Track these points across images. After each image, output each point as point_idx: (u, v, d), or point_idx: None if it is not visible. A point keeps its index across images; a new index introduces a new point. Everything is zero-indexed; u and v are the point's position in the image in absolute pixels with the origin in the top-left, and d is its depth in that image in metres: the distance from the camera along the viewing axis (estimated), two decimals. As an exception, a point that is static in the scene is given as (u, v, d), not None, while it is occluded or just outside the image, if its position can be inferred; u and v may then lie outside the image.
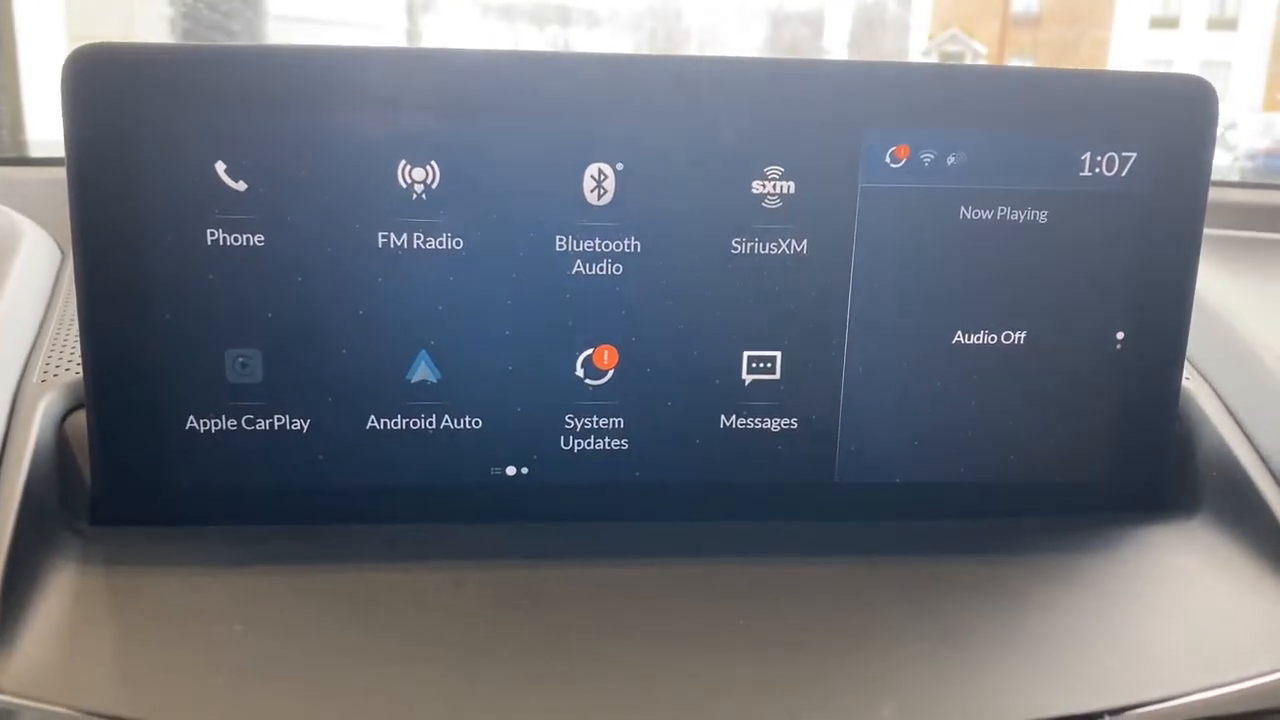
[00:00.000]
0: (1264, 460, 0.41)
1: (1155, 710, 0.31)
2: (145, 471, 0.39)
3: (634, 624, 0.35)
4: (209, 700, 0.30)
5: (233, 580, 0.36)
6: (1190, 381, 0.45)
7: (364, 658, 0.32)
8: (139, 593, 0.35)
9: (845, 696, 0.31)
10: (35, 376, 0.41)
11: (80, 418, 0.40)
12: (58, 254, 0.54)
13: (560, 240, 0.39)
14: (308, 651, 0.32)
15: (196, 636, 0.33)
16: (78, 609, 0.33)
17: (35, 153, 1.18)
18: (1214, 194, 0.61)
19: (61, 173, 0.64)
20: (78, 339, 0.44)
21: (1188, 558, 0.39)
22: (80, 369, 0.41)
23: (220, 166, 0.37)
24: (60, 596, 0.34)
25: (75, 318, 0.46)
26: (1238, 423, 0.43)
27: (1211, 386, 0.45)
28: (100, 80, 0.36)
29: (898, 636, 0.34)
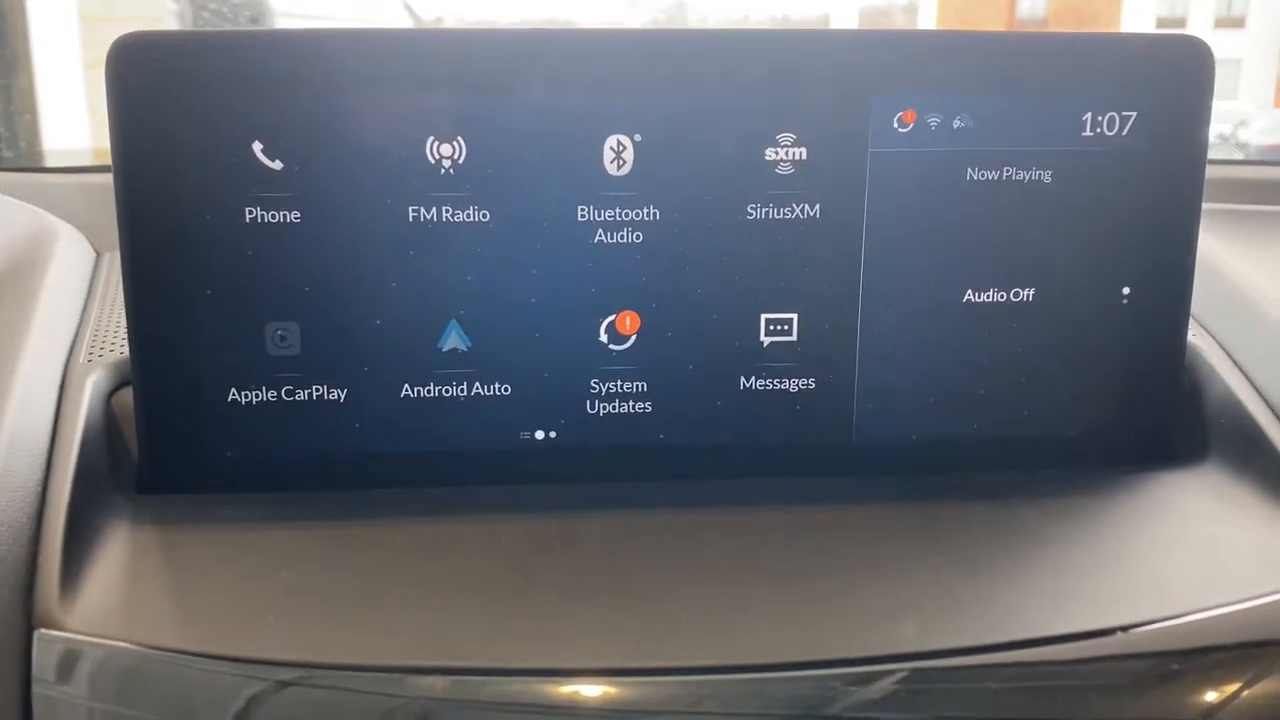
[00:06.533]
0: (1271, 407, 0.42)
1: (1168, 627, 0.32)
2: (190, 442, 0.40)
3: (660, 562, 0.36)
4: (262, 635, 0.31)
5: (278, 535, 0.37)
6: (1197, 337, 0.46)
7: (406, 597, 0.34)
8: (189, 547, 0.36)
9: (867, 620, 0.33)
10: (81, 357, 0.43)
11: (126, 395, 0.42)
12: (92, 253, 0.56)
13: (582, 210, 0.40)
14: (352, 593, 0.34)
15: (246, 582, 0.34)
16: (133, 562, 0.35)
17: (51, 161, 1.23)
18: (1221, 171, 0.63)
19: (93, 179, 0.67)
20: (118, 328, 0.46)
21: (1197, 498, 0.40)
22: (123, 351, 0.43)
23: (258, 146, 0.39)
24: (115, 551, 0.35)
25: (113, 312, 0.48)
26: (1244, 374, 0.44)
27: (1218, 341, 0.46)
28: (142, 67, 0.38)
29: (915, 570, 0.35)
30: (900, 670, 0.31)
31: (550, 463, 0.42)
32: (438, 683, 0.30)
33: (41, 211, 0.57)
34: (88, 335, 0.45)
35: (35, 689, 0.31)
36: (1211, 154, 0.42)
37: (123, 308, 0.47)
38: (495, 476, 0.42)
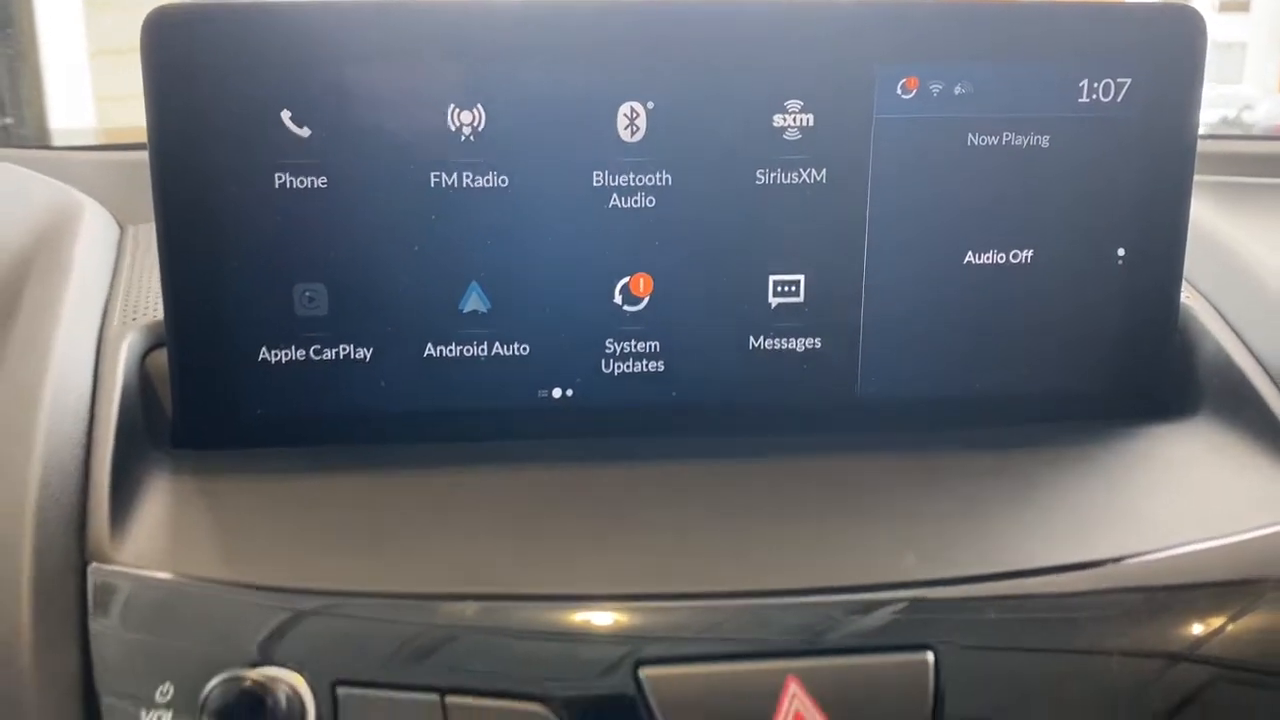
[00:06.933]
0: (1260, 363, 0.44)
1: (1156, 559, 0.34)
2: (222, 400, 0.42)
3: (674, 503, 0.38)
4: (299, 567, 0.34)
5: (310, 483, 0.39)
6: (1191, 299, 0.48)
7: (434, 535, 0.36)
8: (226, 494, 0.38)
9: (870, 552, 0.35)
10: (115, 321, 0.45)
11: (159, 356, 0.44)
12: (116, 227, 0.58)
13: (597, 175, 0.42)
14: (382, 531, 0.36)
15: (281, 523, 0.37)
16: (173, 505, 0.37)
17: (57, 141, 1.25)
18: (1221, 145, 0.64)
19: (115, 156, 0.68)
20: (147, 296, 0.47)
21: (1187, 448, 0.42)
22: (153, 315, 0.45)
23: (286, 114, 0.40)
24: (156, 497, 0.37)
25: (142, 280, 0.50)
26: (1236, 333, 0.46)
27: (1210, 303, 0.47)
28: (175, 38, 0.39)
29: (916, 510, 0.37)
30: (902, 598, 0.33)
31: (566, 420, 0.44)
32: (467, 608, 0.32)
33: (67, 187, 0.59)
34: (119, 301, 0.47)
35: (91, 622, 0.33)
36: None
37: (151, 276, 0.49)
38: (514, 433, 0.43)
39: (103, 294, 0.48)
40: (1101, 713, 0.33)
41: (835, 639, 0.33)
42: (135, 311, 0.46)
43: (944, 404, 0.45)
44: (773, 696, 0.32)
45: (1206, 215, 0.53)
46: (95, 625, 0.32)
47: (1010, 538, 0.36)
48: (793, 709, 0.32)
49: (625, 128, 0.42)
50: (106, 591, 0.33)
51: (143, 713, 0.31)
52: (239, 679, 0.29)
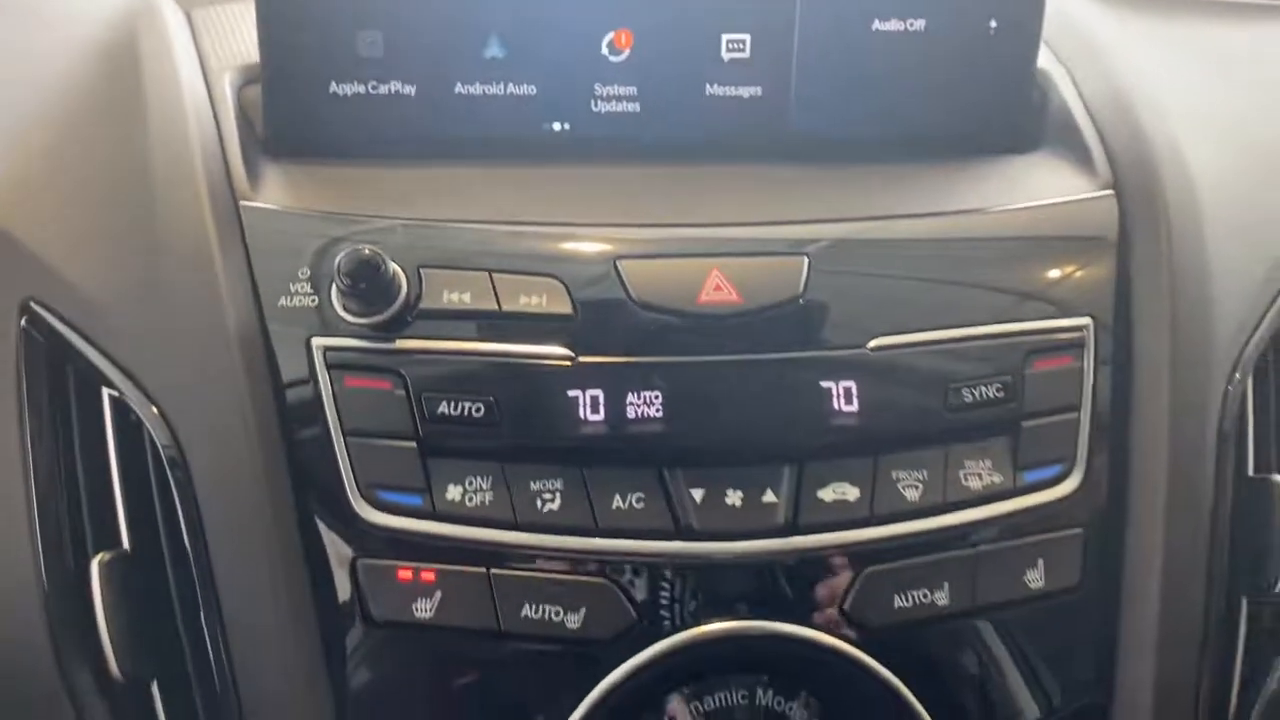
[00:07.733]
0: (1091, 116, 0.58)
1: (1009, 209, 0.53)
2: (302, 120, 0.55)
3: (640, 180, 0.54)
4: (383, 204, 0.49)
5: (376, 169, 0.54)
6: (1050, 63, 0.61)
7: (476, 191, 0.52)
8: (319, 173, 0.53)
9: (770, 202, 0.51)
10: (212, 64, 0.57)
11: (247, 91, 0.56)
12: (180, 9, 0.69)
13: (592, -52, 0.54)
14: (440, 190, 0.52)
15: (363, 186, 0.52)
16: (285, 177, 0.52)
17: None
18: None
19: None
20: (223, 52, 0.59)
21: (1034, 170, 0.57)
22: (239, 61, 0.57)
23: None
24: (272, 174, 0.52)
25: (215, 43, 0.61)
26: (1079, 91, 0.59)
27: (1066, 68, 0.61)
28: None
29: (814, 183, 0.53)
30: (788, 229, 0.48)
31: (564, 147, 0.57)
32: (505, 228, 0.47)
33: None
34: (209, 51, 0.59)
35: (247, 231, 0.47)
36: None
37: (223, 39, 0.61)
38: (524, 156, 0.57)
39: (192, 46, 0.60)
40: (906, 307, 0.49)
41: (744, 247, 0.49)
42: (222, 60, 0.58)
43: (856, 140, 0.58)
44: (701, 276, 0.48)
45: (1088, 9, 0.66)
46: (250, 234, 0.47)
47: (874, 199, 0.51)
48: (713, 284, 0.47)
49: (613, -89, 0.54)
50: (255, 218, 0.48)
51: (290, 284, 0.46)
52: (360, 249, 0.43)
